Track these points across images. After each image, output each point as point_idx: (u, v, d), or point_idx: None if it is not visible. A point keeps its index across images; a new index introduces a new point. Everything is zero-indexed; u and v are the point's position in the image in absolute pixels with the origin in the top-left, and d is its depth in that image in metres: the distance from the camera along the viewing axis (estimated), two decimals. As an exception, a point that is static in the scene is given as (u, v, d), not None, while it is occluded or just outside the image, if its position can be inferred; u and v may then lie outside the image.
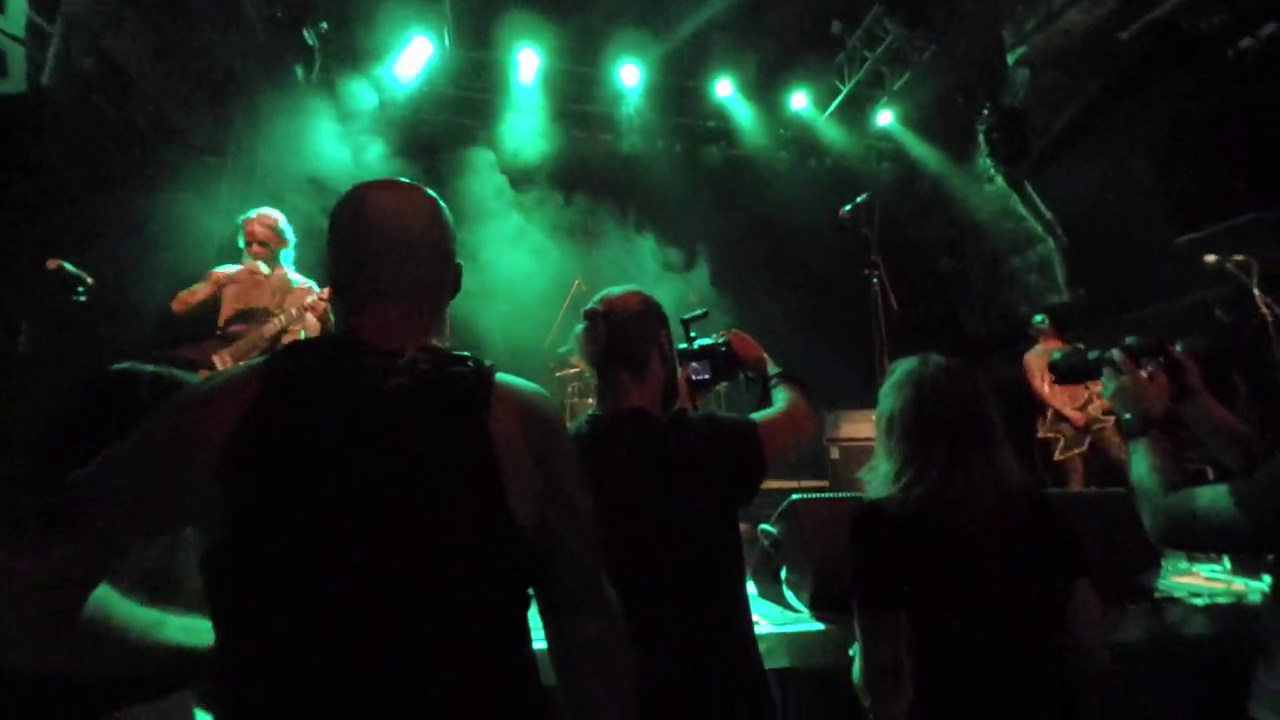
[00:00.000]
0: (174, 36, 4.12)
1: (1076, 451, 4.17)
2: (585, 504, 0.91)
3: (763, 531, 2.35)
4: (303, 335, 3.35)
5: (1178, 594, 2.13)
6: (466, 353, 0.89)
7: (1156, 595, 2.10)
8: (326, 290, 3.40)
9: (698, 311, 1.59)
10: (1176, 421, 1.32)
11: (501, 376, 0.89)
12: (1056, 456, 4.20)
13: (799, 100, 6.54)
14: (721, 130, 6.79)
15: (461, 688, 0.76)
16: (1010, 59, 5.77)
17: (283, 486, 0.75)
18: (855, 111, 6.76)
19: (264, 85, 5.03)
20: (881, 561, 1.14)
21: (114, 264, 3.54)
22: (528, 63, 5.82)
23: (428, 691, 0.74)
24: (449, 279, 0.98)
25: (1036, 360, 4.37)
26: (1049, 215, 6.17)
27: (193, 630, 0.83)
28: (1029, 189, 6.24)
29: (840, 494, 2.07)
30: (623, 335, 1.27)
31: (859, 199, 3.42)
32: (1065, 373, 1.50)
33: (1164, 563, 2.28)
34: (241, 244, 3.42)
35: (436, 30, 5.34)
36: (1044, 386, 4.28)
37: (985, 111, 6.19)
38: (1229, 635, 1.98)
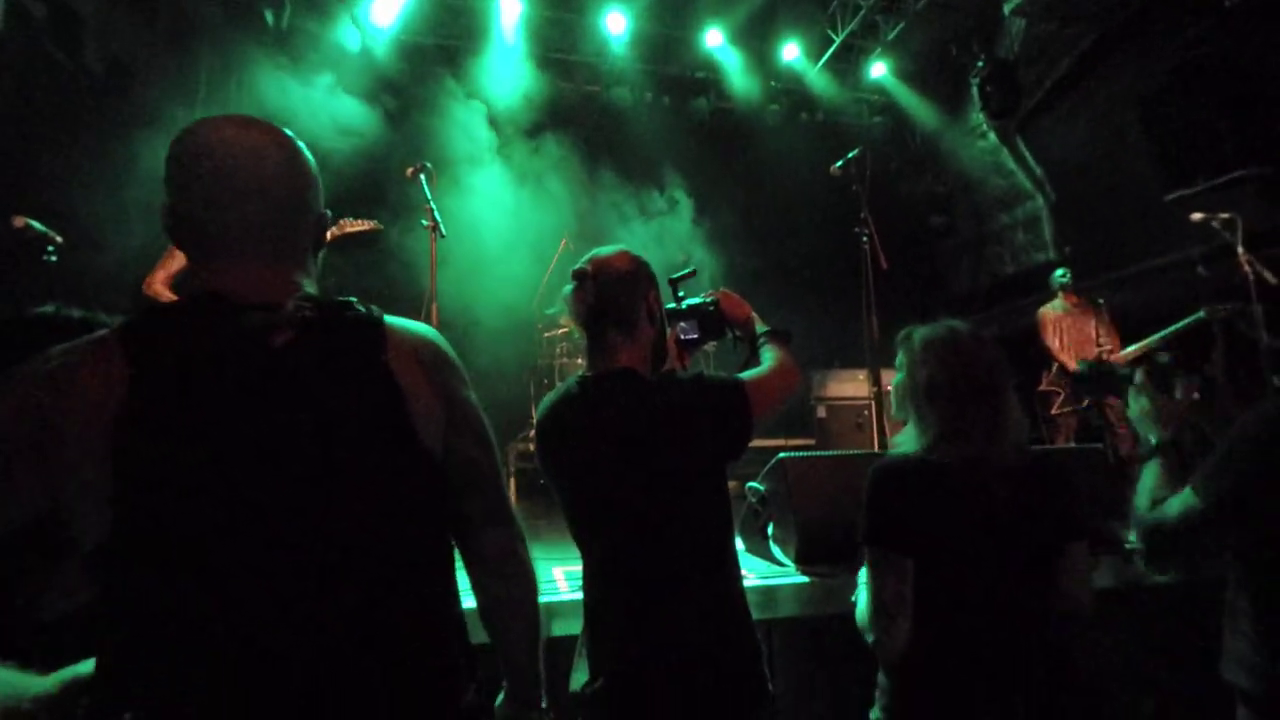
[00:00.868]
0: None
1: (1072, 409, 4.26)
2: (484, 422, 0.94)
3: (750, 489, 2.39)
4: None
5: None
6: (352, 299, 0.85)
7: (1126, 546, 2.19)
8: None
9: (686, 270, 1.57)
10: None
11: (391, 318, 0.87)
12: (1054, 410, 4.30)
13: (790, 51, 6.36)
14: (710, 82, 6.60)
15: (393, 621, 0.77)
16: (1006, 8, 5.62)
17: (183, 465, 0.69)
18: (848, 63, 6.59)
19: (229, 30, 4.78)
20: (899, 509, 1.19)
21: (89, 214, 3.43)
22: (509, 8, 5.57)
23: (364, 640, 0.74)
24: (310, 229, 0.88)
25: (1051, 314, 4.45)
26: (1039, 171, 6.12)
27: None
28: (1020, 144, 6.18)
29: (827, 452, 2.11)
30: (611, 295, 1.26)
31: (850, 154, 3.36)
32: (1090, 384, 1.54)
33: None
34: None
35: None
36: (1054, 340, 4.36)
37: (979, 63, 6.06)
38: (1187, 585, 2.09)
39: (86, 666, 0.76)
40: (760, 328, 1.46)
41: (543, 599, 0.99)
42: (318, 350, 0.79)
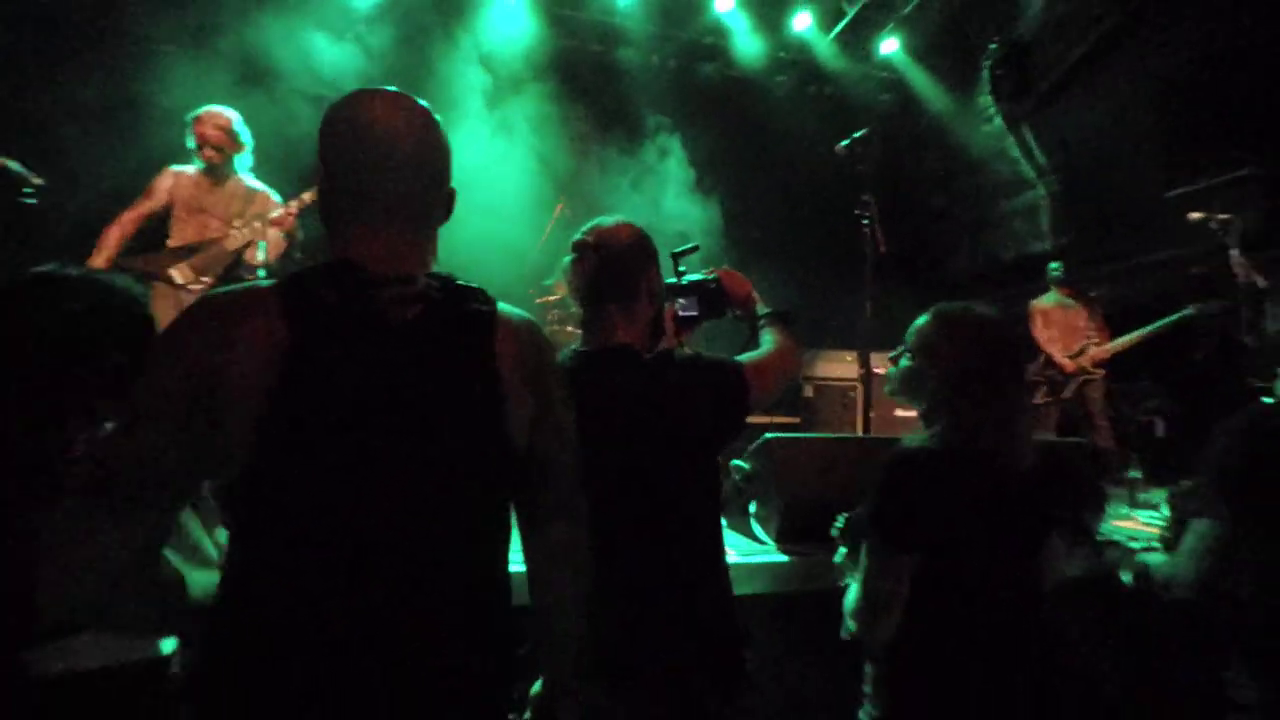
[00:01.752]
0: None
1: (1053, 398, 4.31)
2: (571, 421, 1.00)
3: (735, 467, 2.41)
4: (262, 247, 3.18)
5: (1117, 537, 2.32)
6: (473, 283, 0.91)
7: (1099, 539, 2.25)
8: (294, 203, 3.22)
9: (688, 245, 1.55)
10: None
11: (502, 306, 0.93)
12: (1037, 399, 4.35)
13: (803, 20, 6.18)
14: (718, 48, 6.42)
15: (453, 590, 0.84)
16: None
17: (318, 415, 0.78)
18: (860, 37, 6.43)
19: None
20: (913, 503, 1.14)
21: (80, 154, 3.31)
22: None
23: (426, 595, 0.82)
24: (445, 202, 0.96)
25: (1041, 306, 4.47)
26: (1042, 160, 6.07)
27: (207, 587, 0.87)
28: (1025, 131, 6.10)
29: (813, 434, 2.13)
30: (613, 270, 1.24)
31: (857, 134, 3.30)
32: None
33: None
34: (191, 144, 3.16)
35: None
36: (1042, 332, 4.39)
37: (993, 45, 5.94)
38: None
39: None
40: (761, 309, 1.45)
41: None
42: (439, 329, 0.86)
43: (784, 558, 1.98)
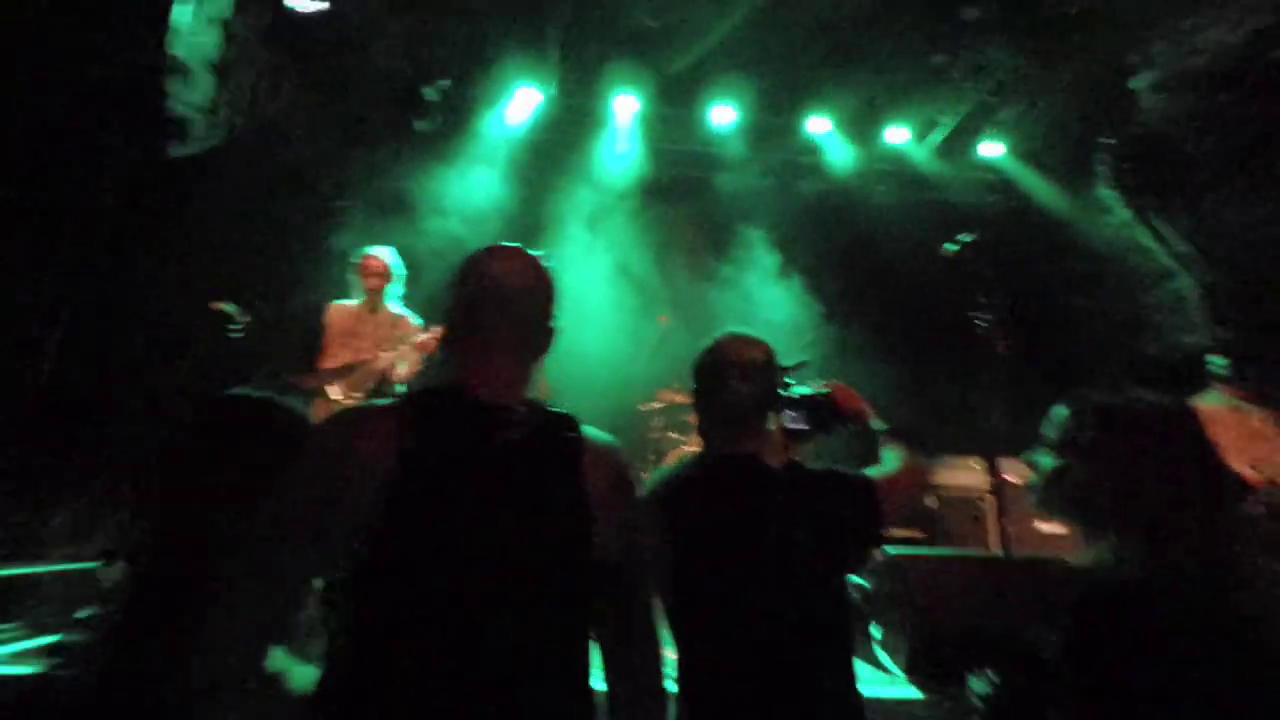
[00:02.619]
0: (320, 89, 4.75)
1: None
2: (643, 545, 1.05)
3: (853, 585, 2.25)
4: (401, 365, 3.63)
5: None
6: (560, 410, 1.02)
7: None
8: (437, 330, 3.68)
9: (797, 359, 1.58)
10: None
11: (585, 429, 1.03)
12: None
13: (899, 134, 6.37)
14: (815, 165, 6.71)
15: (541, 688, 0.89)
16: (1138, 84, 5.36)
17: (426, 525, 0.87)
18: (960, 143, 6.49)
19: (385, 133, 5.56)
20: (1124, 649, 0.95)
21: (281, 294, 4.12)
22: (626, 106, 6.04)
23: (516, 688, 0.87)
24: (548, 340, 1.11)
25: (1205, 409, 3.92)
26: (1185, 249, 5.59)
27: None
28: (1158, 221, 5.70)
29: (947, 550, 1.94)
30: (752, 386, 1.29)
31: (963, 236, 3.27)
32: None
33: None
34: (353, 279, 3.77)
35: (545, 81, 5.69)
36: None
37: (1108, 140, 5.75)
38: None
39: None
40: (876, 424, 1.43)
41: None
42: (530, 453, 0.96)
43: (918, 693, 1.78)
